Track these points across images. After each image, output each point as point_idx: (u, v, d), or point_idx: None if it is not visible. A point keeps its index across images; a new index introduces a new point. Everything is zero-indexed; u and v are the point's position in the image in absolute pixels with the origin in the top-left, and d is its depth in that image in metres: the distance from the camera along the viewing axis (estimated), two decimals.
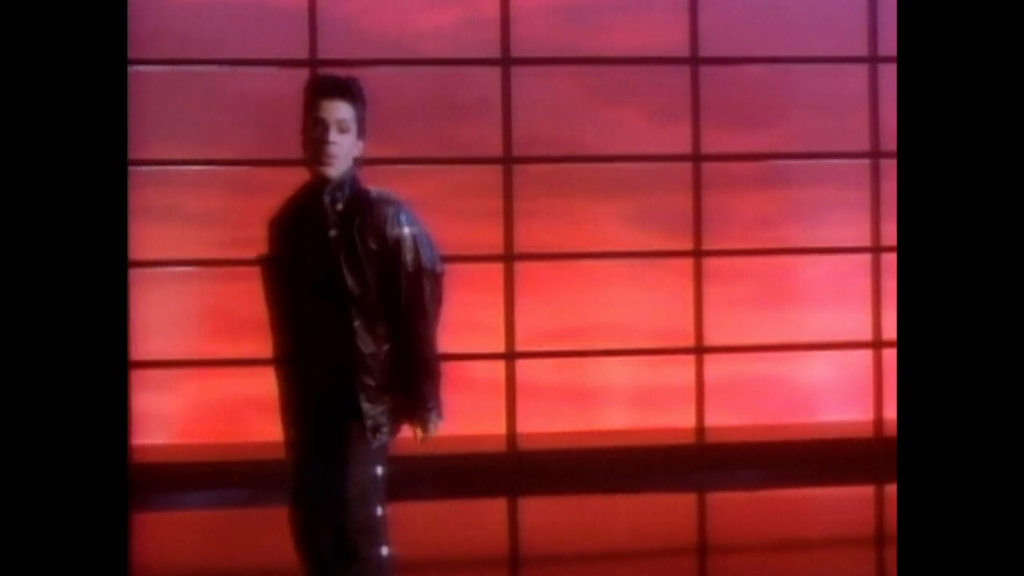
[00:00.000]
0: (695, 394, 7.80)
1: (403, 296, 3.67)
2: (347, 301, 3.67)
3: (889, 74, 7.92)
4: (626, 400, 7.87)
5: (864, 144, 8.00)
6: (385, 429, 3.71)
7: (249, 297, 7.28)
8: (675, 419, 7.78)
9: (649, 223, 7.84)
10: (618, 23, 7.91)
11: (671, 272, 7.86)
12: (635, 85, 7.89)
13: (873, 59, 7.98)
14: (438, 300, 3.78)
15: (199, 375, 7.70)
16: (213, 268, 7.61)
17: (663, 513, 6.71)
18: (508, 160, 7.73)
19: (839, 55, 7.99)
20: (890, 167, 7.93)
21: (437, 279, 3.78)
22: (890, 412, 7.80)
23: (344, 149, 3.73)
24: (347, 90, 3.77)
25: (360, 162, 3.82)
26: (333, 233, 3.70)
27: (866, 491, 7.07)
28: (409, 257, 3.69)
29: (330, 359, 3.71)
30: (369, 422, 3.68)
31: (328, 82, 3.83)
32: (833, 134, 7.99)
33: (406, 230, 3.71)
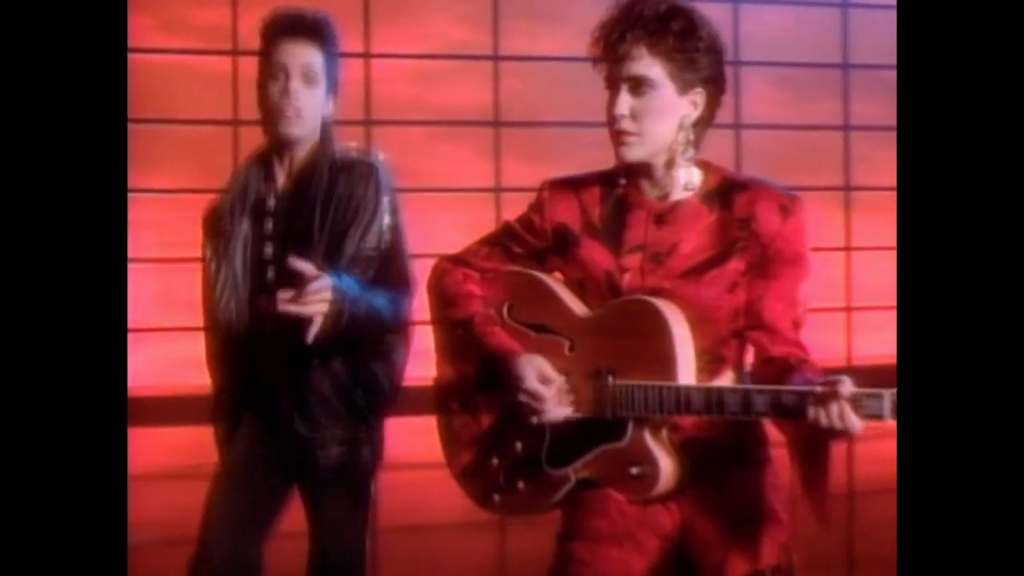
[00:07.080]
0: None
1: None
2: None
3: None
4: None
5: None
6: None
7: (151, 286, 9.81)
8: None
9: (479, 234, 10.85)
10: (454, 82, 10.92)
11: None
12: (468, 130, 10.98)
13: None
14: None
15: None
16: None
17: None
18: None
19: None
20: None
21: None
22: None
23: (310, 104, 2.84)
24: (315, 29, 2.86)
25: (330, 125, 2.92)
26: (277, 203, 2.86)
27: None
28: (388, 234, 2.86)
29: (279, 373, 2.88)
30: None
31: (291, 19, 2.87)
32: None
33: (385, 198, 2.89)
